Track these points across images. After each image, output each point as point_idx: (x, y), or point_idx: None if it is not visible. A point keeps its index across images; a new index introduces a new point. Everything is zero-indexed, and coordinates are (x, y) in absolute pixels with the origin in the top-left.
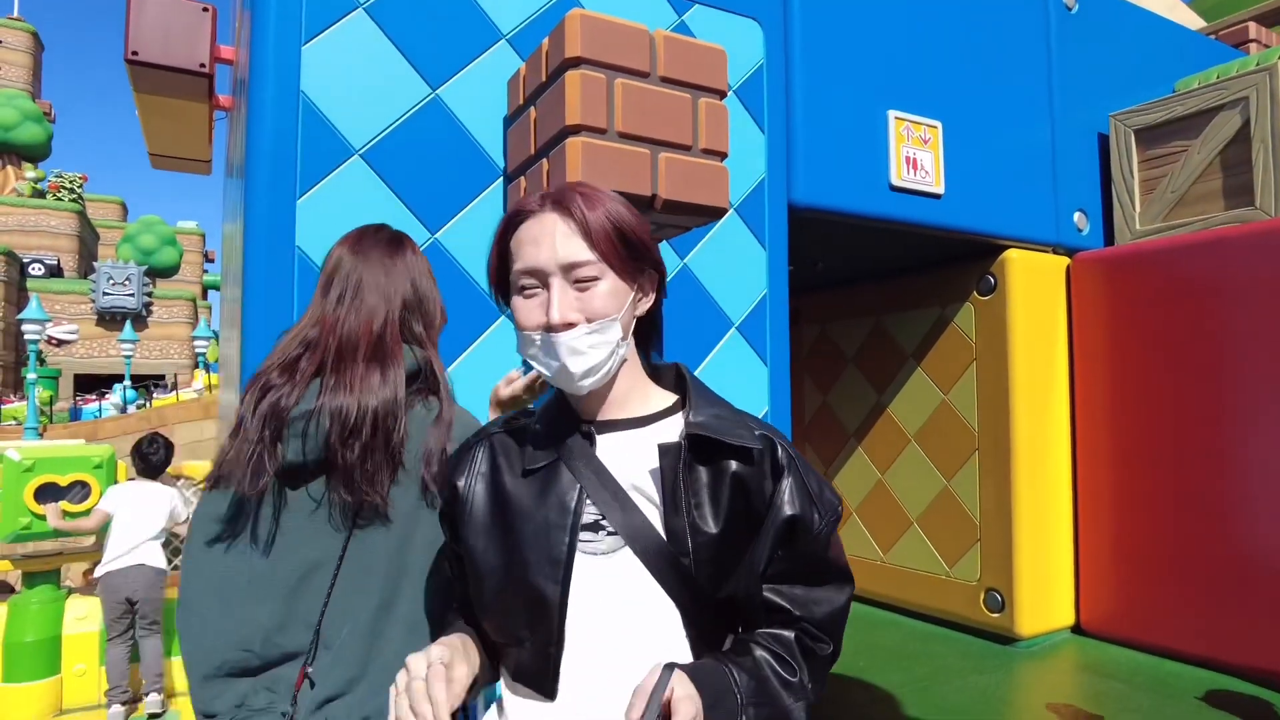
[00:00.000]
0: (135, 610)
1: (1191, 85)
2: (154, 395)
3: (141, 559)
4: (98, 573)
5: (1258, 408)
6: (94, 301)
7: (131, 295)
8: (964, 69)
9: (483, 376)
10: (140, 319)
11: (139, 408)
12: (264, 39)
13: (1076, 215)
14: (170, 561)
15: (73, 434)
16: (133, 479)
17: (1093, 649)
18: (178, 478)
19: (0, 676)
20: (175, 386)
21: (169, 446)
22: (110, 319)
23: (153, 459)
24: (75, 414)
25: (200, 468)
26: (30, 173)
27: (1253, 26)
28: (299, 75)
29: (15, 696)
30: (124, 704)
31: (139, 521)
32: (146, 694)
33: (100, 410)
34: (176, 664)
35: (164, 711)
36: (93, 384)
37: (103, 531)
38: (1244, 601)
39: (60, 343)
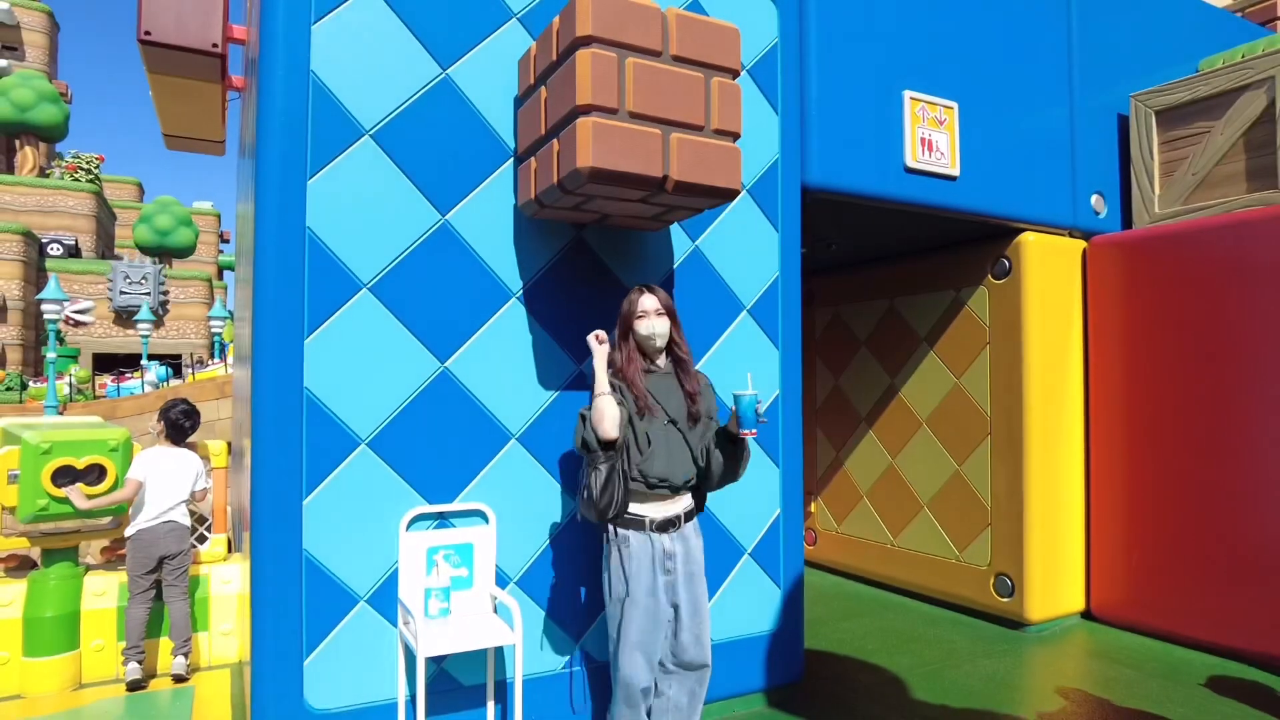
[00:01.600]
0: (162, 569)
1: (1216, 64)
2: (190, 371)
3: (172, 517)
4: (128, 532)
5: (1275, 395)
6: (110, 300)
7: (148, 294)
8: (981, 48)
9: (495, 356)
10: (157, 315)
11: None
12: (273, 18)
13: (1094, 198)
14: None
15: (90, 411)
16: (157, 446)
17: (1102, 634)
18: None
19: (21, 651)
20: (203, 362)
21: (197, 414)
22: (126, 317)
23: (185, 424)
24: (117, 391)
25: (216, 446)
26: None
27: None
28: (309, 55)
29: (36, 670)
30: (140, 662)
31: (170, 485)
32: (176, 655)
33: (135, 388)
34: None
35: (189, 675)
36: (111, 364)
37: (120, 508)
38: (1255, 588)
39: (77, 322)
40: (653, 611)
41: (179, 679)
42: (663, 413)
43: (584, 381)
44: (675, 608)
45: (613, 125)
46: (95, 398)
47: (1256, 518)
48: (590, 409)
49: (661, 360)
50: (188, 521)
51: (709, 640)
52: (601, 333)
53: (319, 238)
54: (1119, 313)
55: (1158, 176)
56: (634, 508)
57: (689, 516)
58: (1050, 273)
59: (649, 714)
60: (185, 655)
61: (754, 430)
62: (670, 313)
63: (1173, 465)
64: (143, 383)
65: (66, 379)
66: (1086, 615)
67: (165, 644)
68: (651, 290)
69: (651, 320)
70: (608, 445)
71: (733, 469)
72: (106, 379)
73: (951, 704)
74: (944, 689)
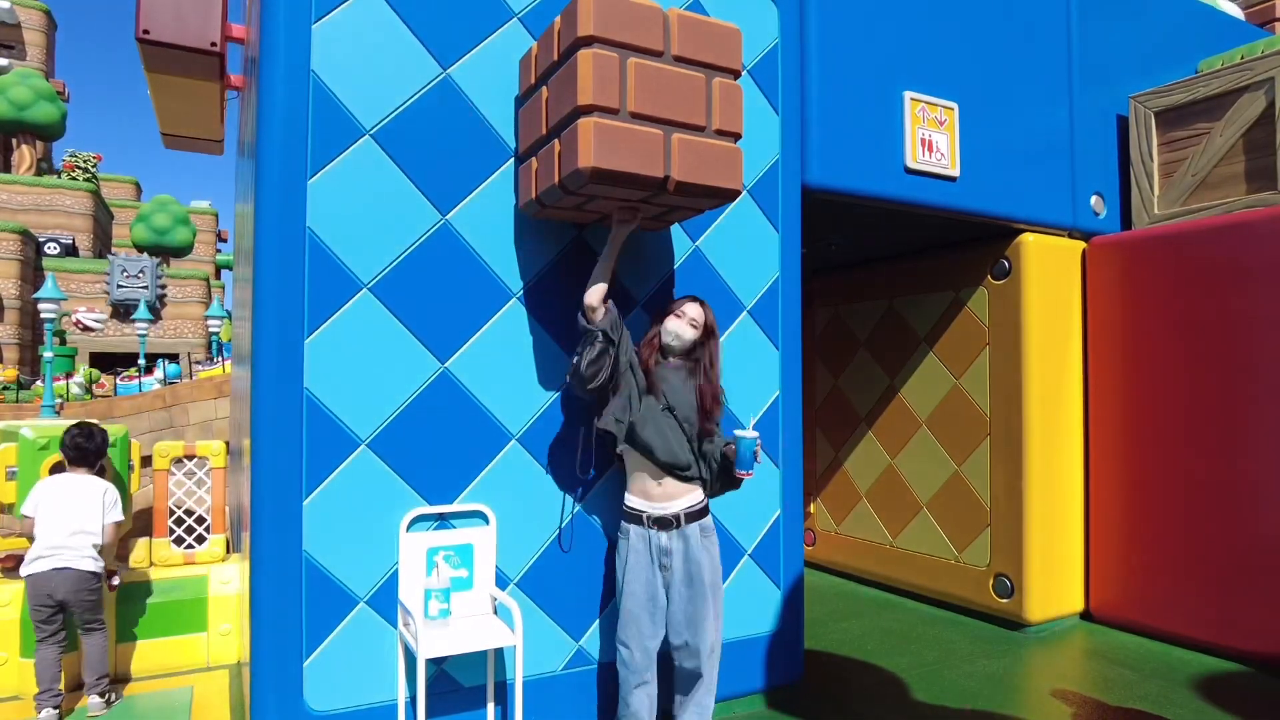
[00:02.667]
0: (66, 610)
1: (1215, 66)
2: (200, 367)
3: (67, 562)
4: (22, 571)
5: (1274, 395)
6: (108, 294)
7: (145, 288)
8: (982, 49)
9: (495, 357)
10: (154, 310)
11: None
12: (274, 17)
13: (1094, 199)
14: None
15: (89, 412)
16: (62, 470)
17: (1101, 635)
18: (189, 457)
19: (19, 651)
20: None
21: (104, 435)
22: (124, 311)
23: (86, 445)
24: (140, 388)
25: (211, 446)
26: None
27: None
28: (309, 54)
29: (32, 671)
30: (55, 708)
31: (64, 519)
32: (89, 694)
33: (140, 386)
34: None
35: (107, 711)
36: (108, 363)
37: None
38: (1254, 589)
39: (86, 328)
40: (645, 604)
41: None
42: (663, 398)
43: None
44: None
45: (614, 125)
46: (95, 396)
47: (1255, 518)
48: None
49: (677, 360)
50: (90, 563)
51: (706, 649)
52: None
53: (319, 238)
54: (1118, 313)
55: (1157, 177)
56: (632, 501)
57: (691, 517)
58: (1050, 273)
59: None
60: (101, 695)
61: (751, 472)
62: (707, 331)
63: (1172, 466)
64: (140, 384)
65: (76, 378)
66: (1085, 616)
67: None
68: (700, 303)
69: (682, 324)
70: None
71: (730, 487)
72: (107, 377)
73: (950, 704)
74: (943, 689)
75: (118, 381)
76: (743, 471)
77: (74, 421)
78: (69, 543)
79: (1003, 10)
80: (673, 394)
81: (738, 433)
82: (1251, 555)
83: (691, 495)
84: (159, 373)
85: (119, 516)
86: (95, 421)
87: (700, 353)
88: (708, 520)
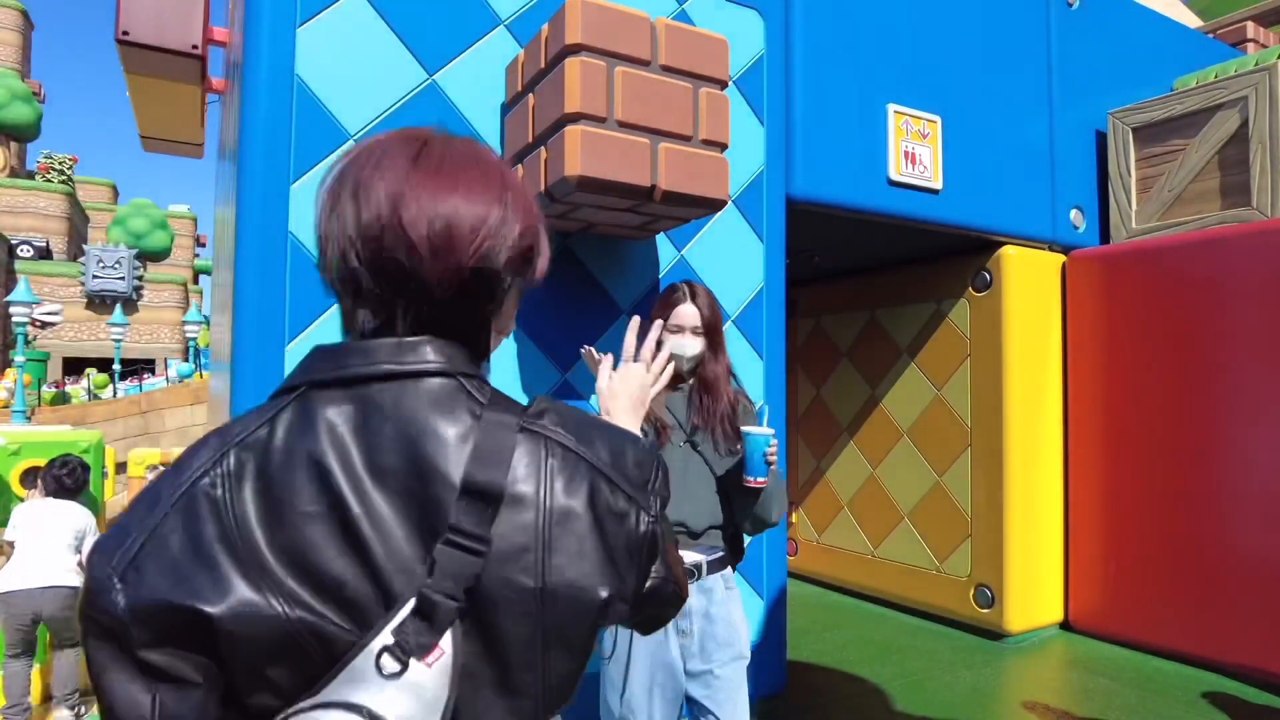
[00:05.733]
0: (42, 625)
1: (1190, 84)
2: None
3: (54, 580)
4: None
5: (1249, 408)
6: (83, 285)
7: (122, 279)
8: (964, 64)
9: None
10: (130, 303)
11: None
12: (258, 20)
13: (1073, 213)
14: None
15: (61, 418)
16: (42, 497)
17: (1080, 645)
18: (165, 464)
19: None
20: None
21: (85, 470)
22: (100, 302)
23: (67, 482)
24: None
25: None
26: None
27: (1251, 26)
28: (293, 58)
29: None
30: None
31: (48, 542)
32: (58, 708)
33: (141, 387)
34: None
35: None
36: (81, 367)
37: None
38: (1231, 599)
39: (44, 325)
40: (657, 678)
41: None
42: (680, 430)
43: (569, 391)
44: (689, 697)
45: (601, 134)
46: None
47: (1232, 529)
48: None
49: (688, 377)
50: (73, 578)
51: None
52: (590, 349)
53: (301, 243)
54: (1097, 326)
55: (1135, 192)
56: None
57: (714, 566)
58: (1030, 286)
59: None
60: (71, 708)
61: (764, 479)
62: (711, 330)
63: (1150, 477)
64: (142, 384)
65: (83, 382)
66: (1065, 626)
67: None
68: (694, 297)
69: (684, 339)
70: None
71: (757, 518)
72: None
73: (933, 715)
74: (925, 700)
75: (126, 383)
76: (754, 479)
77: (60, 456)
78: (54, 561)
79: (985, 26)
80: (686, 417)
81: (747, 429)
82: (1229, 566)
83: (711, 536)
84: (171, 371)
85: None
86: (76, 457)
87: (713, 364)
88: (729, 571)
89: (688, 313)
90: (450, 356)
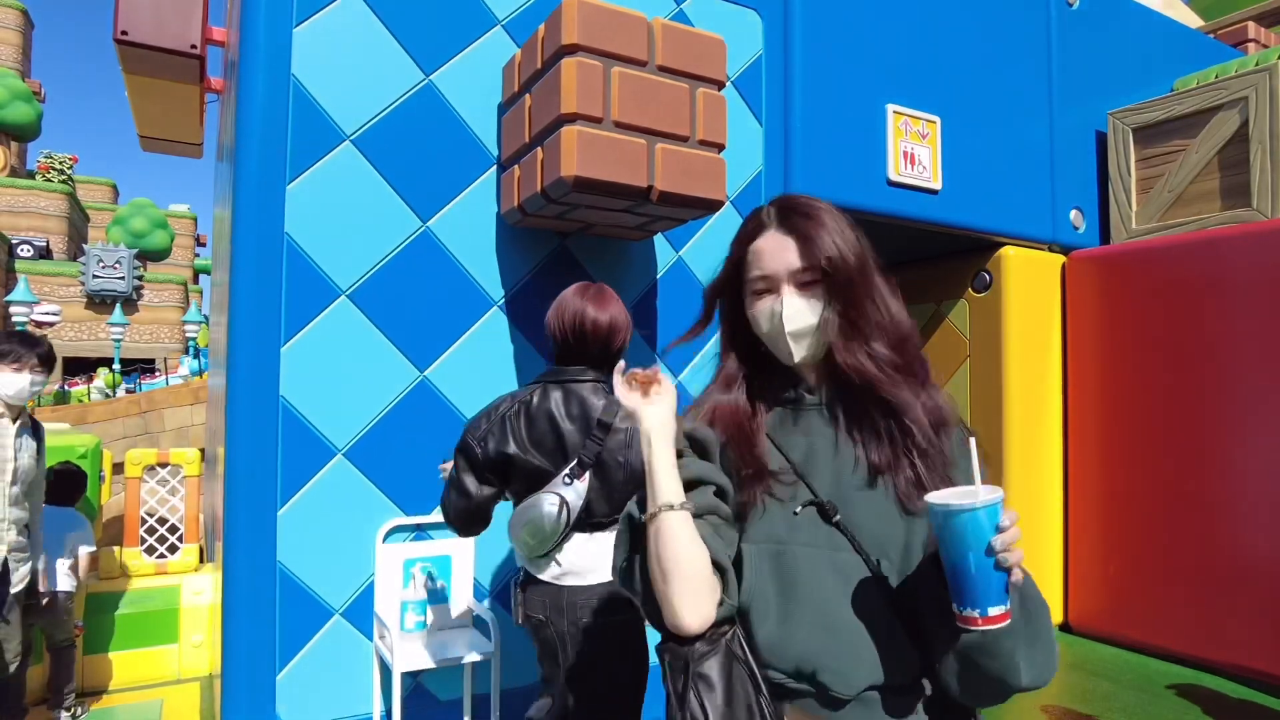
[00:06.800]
0: (39, 627)
1: (1190, 84)
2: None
3: (51, 585)
4: None
5: (1249, 409)
6: (83, 284)
7: (122, 278)
8: (964, 64)
9: (475, 366)
10: (130, 302)
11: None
12: (255, 21)
13: (1073, 213)
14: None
15: (60, 417)
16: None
17: (1080, 647)
18: (163, 465)
19: None
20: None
21: (83, 478)
22: (100, 302)
23: (63, 489)
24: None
25: (185, 454)
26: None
27: (1251, 26)
28: (290, 59)
29: None
30: None
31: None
32: (54, 710)
33: (141, 386)
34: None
35: None
36: (81, 367)
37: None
38: (1231, 601)
39: (41, 324)
40: None
41: None
42: (799, 482)
43: None
44: None
45: (597, 134)
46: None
47: (1232, 530)
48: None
49: (811, 377)
50: (67, 581)
51: None
52: (636, 371)
53: (297, 243)
54: (1097, 326)
55: (1135, 193)
56: None
57: None
58: (1030, 286)
59: None
60: (68, 709)
61: (1006, 610)
62: (843, 278)
63: (1149, 478)
64: (166, 379)
65: (97, 382)
66: (1064, 627)
67: None
68: (784, 220)
69: (772, 304)
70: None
71: (989, 678)
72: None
73: None
74: None
75: (141, 381)
76: (976, 615)
77: (58, 462)
78: (49, 567)
79: (985, 26)
80: (824, 477)
81: (943, 501)
82: (1228, 567)
83: (871, 705)
84: (184, 369)
85: (91, 547)
86: (74, 465)
87: (855, 350)
88: None
89: (772, 249)
90: (597, 375)
